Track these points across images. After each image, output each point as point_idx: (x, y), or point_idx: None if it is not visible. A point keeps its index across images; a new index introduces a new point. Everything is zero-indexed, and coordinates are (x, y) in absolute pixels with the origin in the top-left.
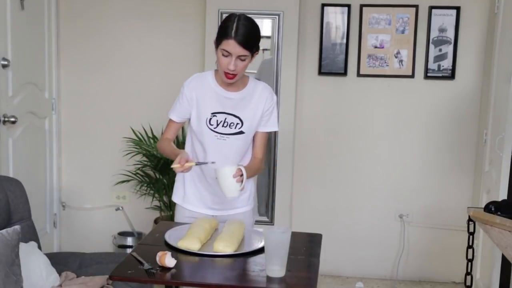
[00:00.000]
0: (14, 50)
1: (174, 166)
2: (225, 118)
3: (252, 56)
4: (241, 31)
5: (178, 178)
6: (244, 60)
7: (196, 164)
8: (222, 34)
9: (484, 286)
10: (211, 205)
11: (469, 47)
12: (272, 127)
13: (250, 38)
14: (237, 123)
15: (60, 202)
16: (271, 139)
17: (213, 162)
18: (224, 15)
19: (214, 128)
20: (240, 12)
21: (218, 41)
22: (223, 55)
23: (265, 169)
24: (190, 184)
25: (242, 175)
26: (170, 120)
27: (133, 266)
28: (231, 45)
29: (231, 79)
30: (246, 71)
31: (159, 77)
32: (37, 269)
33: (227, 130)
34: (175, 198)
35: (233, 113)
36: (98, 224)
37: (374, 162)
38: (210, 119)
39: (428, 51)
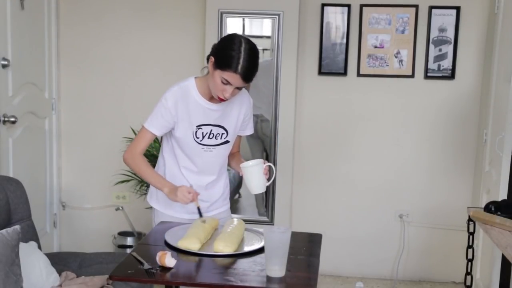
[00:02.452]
0: (14, 50)
1: (186, 195)
2: (211, 130)
3: None
4: (246, 66)
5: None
6: (240, 88)
7: (198, 207)
8: (226, 63)
9: (484, 286)
10: (193, 209)
11: (469, 47)
12: (249, 131)
13: (253, 72)
14: (222, 133)
15: (60, 202)
16: (271, 139)
17: (203, 221)
18: (224, 15)
19: (200, 140)
20: (242, 12)
21: (220, 67)
22: (222, 82)
23: None
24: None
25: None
26: (148, 132)
27: (133, 266)
28: (234, 78)
29: (222, 101)
30: None
31: (159, 77)
32: (37, 269)
33: (213, 141)
34: (152, 201)
35: (217, 124)
36: (98, 224)
37: (374, 162)
38: (196, 131)
39: (428, 51)
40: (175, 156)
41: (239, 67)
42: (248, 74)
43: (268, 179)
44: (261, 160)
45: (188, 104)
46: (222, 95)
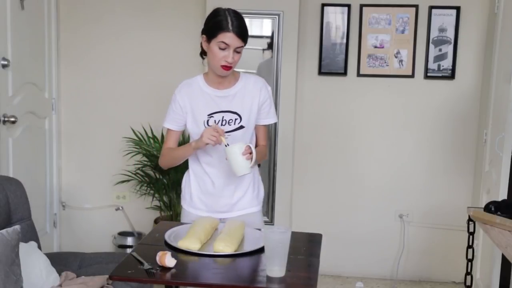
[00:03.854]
0: (14, 50)
1: (211, 136)
2: (223, 117)
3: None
4: (236, 23)
5: (184, 184)
6: (239, 52)
7: (225, 144)
8: (218, 27)
9: (484, 286)
10: (217, 208)
11: (469, 47)
12: (272, 119)
13: (245, 29)
14: (236, 119)
15: (60, 202)
16: (271, 139)
17: (227, 145)
18: None
19: None
20: (242, 12)
21: (213, 35)
22: (220, 48)
23: (266, 158)
24: (195, 188)
25: (251, 152)
26: (168, 130)
27: (133, 266)
28: (229, 37)
29: (228, 71)
30: (247, 70)
31: (159, 77)
32: (37, 269)
33: (227, 127)
34: (182, 202)
35: (229, 109)
36: (98, 224)
37: (374, 162)
38: (208, 120)
39: (428, 51)
40: (196, 153)
41: (229, 25)
42: (241, 31)
43: (251, 161)
44: (243, 143)
45: (197, 95)
46: (225, 62)
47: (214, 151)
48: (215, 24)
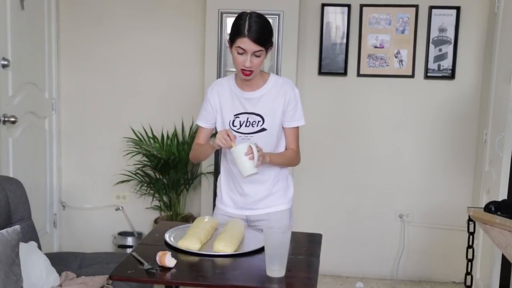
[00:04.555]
0: (14, 50)
1: (222, 139)
2: (247, 118)
3: (267, 51)
4: (253, 28)
5: (218, 183)
6: (259, 56)
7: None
8: (236, 32)
9: (484, 286)
10: (243, 205)
11: (469, 47)
12: (298, 122)
13: (263, 34)
14: (259, 121)
15: (60, 202)
16: None
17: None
18: (224, 15)
19: (238, 129)
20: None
21: (232, 40)
22: (238, 53)
23: (298, 163)
24: (224, 186)
25: (254, 152)
26: (199, 127)
27: (133, 266)
28: (245, 42)
29: (248, 76)
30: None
31: (159, 77)
32: (37, 269)
33: (250, 129)
34: (216, 200)
35: (254, 111)
36: (98, 224)
37: (374, 162)
38: (233, 121)
39: (428, 51)
40: (225, 154)
41: (245, 30)
42: (257, 35)
43: (254, 162)
44: (248, 143)
45: (226, 95)
46: (243, 66)
47: (229, 177)
48: (234, 29)
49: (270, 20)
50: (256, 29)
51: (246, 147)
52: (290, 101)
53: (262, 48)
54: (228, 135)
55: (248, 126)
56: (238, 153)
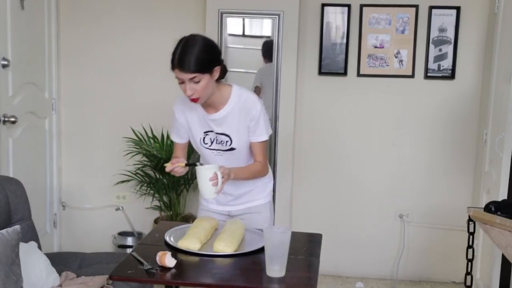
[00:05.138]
0: (14, 50)
1: (166, 165)
2: (216, 137)
3: (211, 74)
4: (181, 57)
5: None
6: (198, 82)
7: (185, 165)
8: (171, 62)
9: (484, 286)
10: (225, 202)
11: (469, 47)
12: (259, 137)
13: (191, 61)
14: (227, 141)
15: (60, 202)
16: (271, 139)
17: (201, 164)
18: (224, 15)
19: (209, 146)
20: (242, 12)
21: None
22: (179, 82)
23: (265, 174)
24: None
25: (218, 179)
26: (174, 142)
27: (133, 266)
28: (177, 72)
29: (196, 101)
30: (248, 70)
31: (159, 77)
32: (37, 269)
33: (220, 146)
34: (199, 197)
35: (220, 132)
36: (98, 224)
37: (374, 162)
38: (204, 138)
39: (428, 51)
40: (204, 157)
41: (175, 60)
42: (185, 64)
43: (216, 188)
44: (216, 166)
45: (192, 114)
46: (186, 95)
47: (212, 161)
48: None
49: (270, 21)
50: (183, 58)
51: (212, 173)
52: (253, 118)
53: (197, 74)
54: (173, 164)
55: (218, 144)
56: (202, 176)
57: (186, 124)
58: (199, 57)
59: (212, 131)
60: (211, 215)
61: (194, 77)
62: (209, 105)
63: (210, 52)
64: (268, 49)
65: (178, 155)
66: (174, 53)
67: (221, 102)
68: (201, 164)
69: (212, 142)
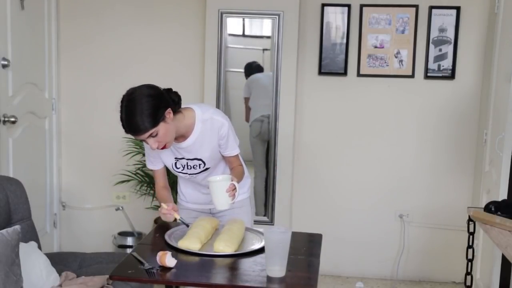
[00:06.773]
0: (14, 50)
1: (163, 205)
2: (187, 162)
3: (164, 121)
4: (128, 123)
5: (178, 187)
6: (156, 134)
7: (177, 220)
8: (122, 127)
9: (484, 286)
10: (206, 201)
11: (469, 47)
12: (232, 151)
13: (139, 123)
14: (200, 164)
15: (60, 202)
16: (271, 139)
17: (187, 226)
18: (224, 15)
19: (182, 170)
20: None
21: None
22: (139, 140)
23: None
24: (184, 185)
25: (234, 189)
26: (152, 170)
27: (133, 266)
28: (133, 136)
29: (166, 148)
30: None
31: (159, 77)
32: (37, 269)
33: (193, 170)
34: (178, 198)
35: (191, 157)
36: (98, 224)
37: (374, 162)
38: (175, 163)
39: (428, 51)
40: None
41: (124, 127)
42: (131, 127)
43: (233, 198)
44: (228, 177)
45: None
46: (152, 149)
47: (188, 181)
48: None
49: (270, 21)
50: (132, 122)
51: (228, 184)
52: (222, 136)
53: (151, 131)
54: (168, 210)
55: (190, 168)
56: (219, 188)
57: (157, 153)
58: (145, 115)
59: (183, 158)
60: (191, 214)
61: (151, 134)
62: (177, 136)
63: (154, 103)
64: (251, 71)
65: (161, 183)
66: (121, 119)
67: (188, 130)
68: (188, 226)
69: (184, 167)
